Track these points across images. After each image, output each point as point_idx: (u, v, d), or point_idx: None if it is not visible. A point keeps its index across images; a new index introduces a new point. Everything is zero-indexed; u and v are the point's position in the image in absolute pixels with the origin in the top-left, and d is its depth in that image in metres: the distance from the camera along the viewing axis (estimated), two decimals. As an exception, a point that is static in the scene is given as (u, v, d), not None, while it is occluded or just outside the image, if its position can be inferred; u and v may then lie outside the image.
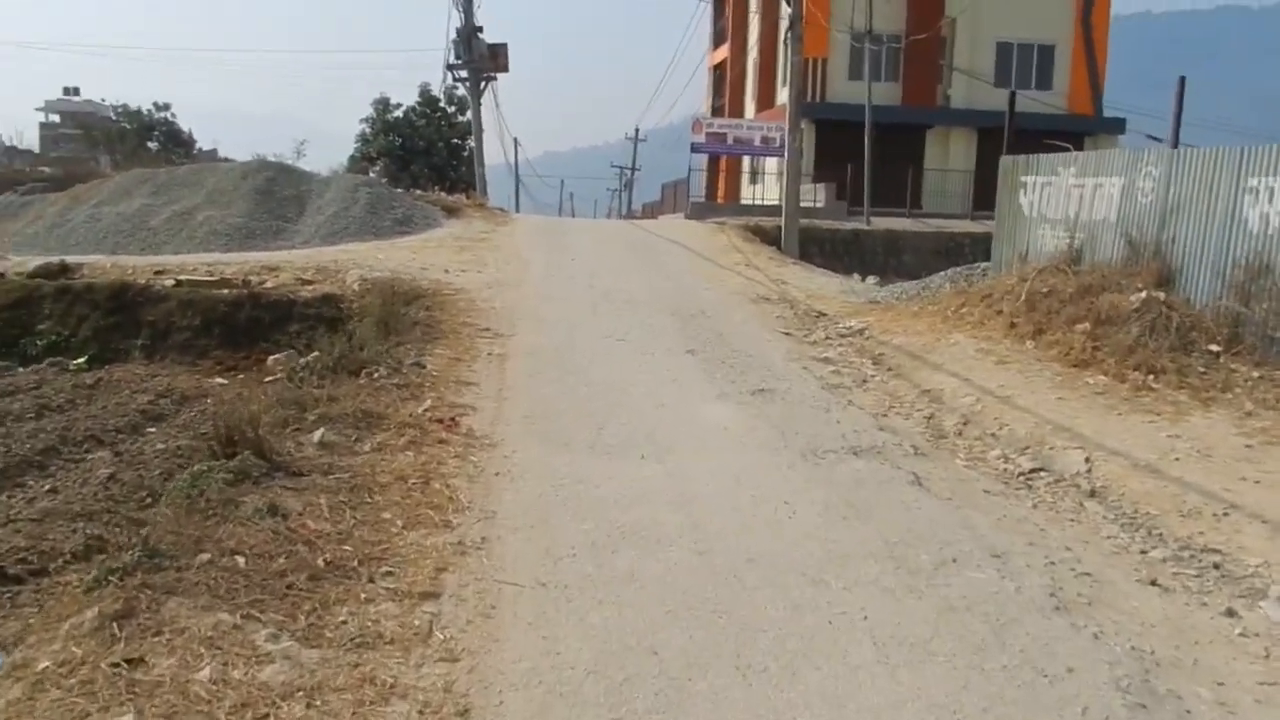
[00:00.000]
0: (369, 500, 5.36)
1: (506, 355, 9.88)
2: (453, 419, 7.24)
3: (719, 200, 38.39)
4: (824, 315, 14.09)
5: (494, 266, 16.42)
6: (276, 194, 22.50)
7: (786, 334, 12.60)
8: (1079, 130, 33.81)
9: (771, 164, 34.13)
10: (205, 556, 4.18)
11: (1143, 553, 5.82)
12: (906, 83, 33.40)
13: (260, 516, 4.77)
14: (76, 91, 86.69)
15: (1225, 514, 6.36)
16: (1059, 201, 12.63)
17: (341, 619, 3.95)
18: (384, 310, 10.57)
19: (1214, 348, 9.47)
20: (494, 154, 52.04)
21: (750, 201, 32.95)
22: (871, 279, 23.31)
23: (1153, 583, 5.31)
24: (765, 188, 33.76)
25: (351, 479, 5.61)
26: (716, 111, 40.68)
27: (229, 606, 3.81)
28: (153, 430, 10.23)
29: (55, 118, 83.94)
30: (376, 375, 8.10)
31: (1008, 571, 5.14)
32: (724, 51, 40.96)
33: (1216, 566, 5.62)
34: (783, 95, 35.57)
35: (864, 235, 26.20)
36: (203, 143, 52.09)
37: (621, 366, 9.75)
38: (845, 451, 7.30)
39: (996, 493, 6.84)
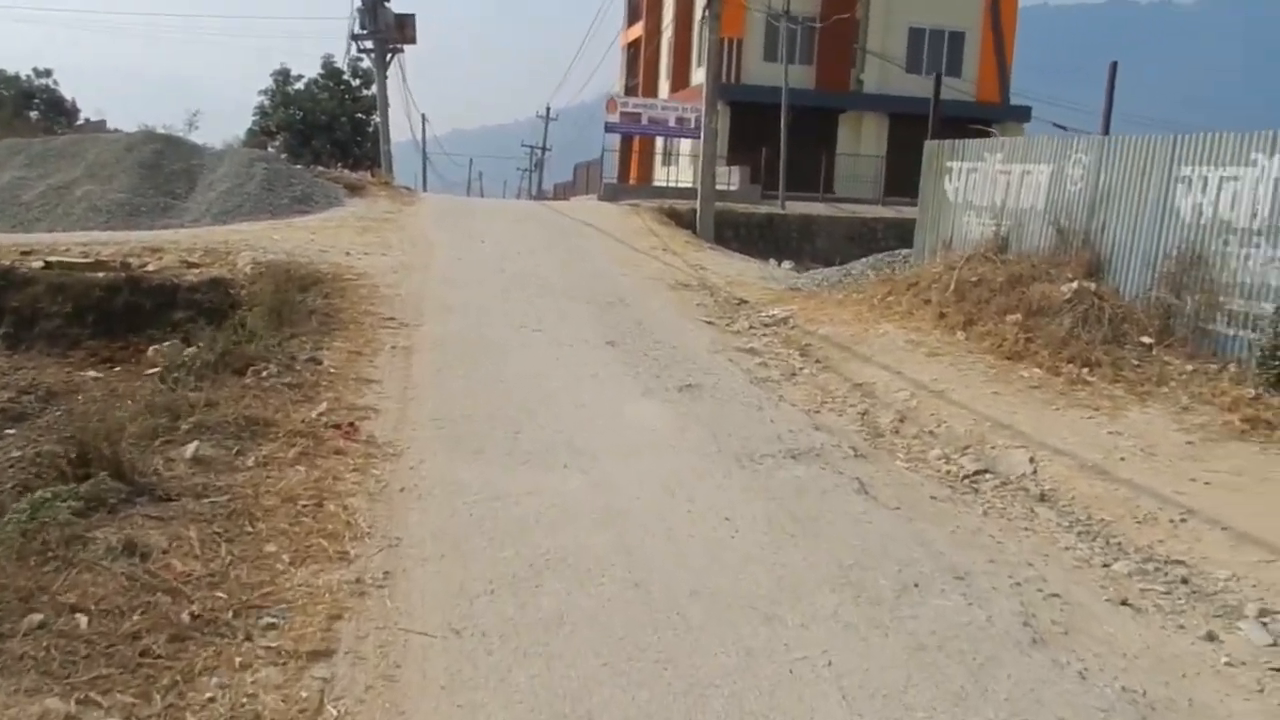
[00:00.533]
0: (250, 529, 4.58)
1: (412, 348, 9.08)
2: (351, 424, 6.46)
3: (632, 182, 37.73)
4: (745, 302, 13.58)
5: (399, 249, 15.48)
6: (164, 168, 21.06)
7: (709, 323, 12.04)
8: (987, 118, 34.01)
9: (685, 145, 33.59)
10: (37, 617, 3.38)
11: (1105, 566, 5.41)
12: (820, 66, 33.18)
13: (113, 557, 3.97)
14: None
15: (1182, 520, 6.01)
16: (985, 188, 12.34)
17: (209, 695, 3.21)
18: (276, 298, 9.64)
19: (1146, 340, 9.23)
20: (400, 130, 50.40)
21: (664, 183, 32.40)
22: (787, 264, 23.00)
23: (1124, 603, 4.89)
24: (679, 170, 33.23)
25: (230, 503, 4.82)
26: (630, 91, 39.94)
27: (62, 687, 3.04)
28: (12, 432, 9.15)
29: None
30: (265, 373, 7.24)
31: (974, 596, 4.65)
32: (638, 29, 40.22)
33: (1184, 581, 5.24)
34: (698, 75, 35.05)
35: (779, 220, 25.86)
36: (89, 113, 49.09)
37: (537, 360, 9.04)
38: (783, 455, 6.75)
39: (944, 499, 6.38)
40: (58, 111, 45.73)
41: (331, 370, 7.81)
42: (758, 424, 7.55)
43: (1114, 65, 13.83)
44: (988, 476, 6.96)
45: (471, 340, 9.61)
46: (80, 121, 46.76)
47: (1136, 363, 8.96)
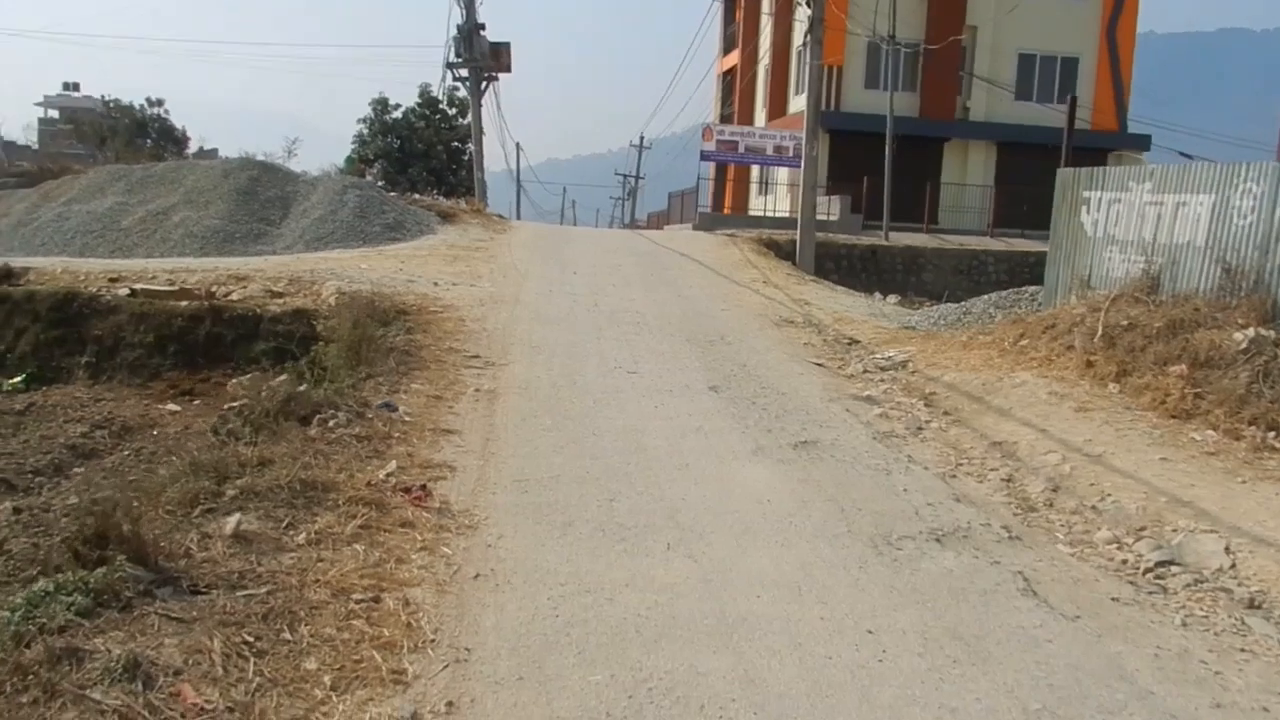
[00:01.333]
0: (289, 636, 3.69)
1: (497, 392, 8.22)
2: (423, 488, 5.57)
3: (727, 211, 36.80)
4: (857, 342, 12.45)
5: (488, 279, 14.77)
6: (259, 195, 20.86)
7: (818, 365, 10.95)
8: (1103, 145, 32.29)
9: (782, 174, 32.55)
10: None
11: (1362, 711, 4.18)
12: (924, 93, 31.81)
13: (110, 681, 3.12)
14: (76, 87, 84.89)
15: None
16: (1130, 220, 11.00)
17: None
18: (354, 334, 8.90)
19: (1344, 400, 7.85)
20: (495, 159, 50.54)
21: (760, 213, 31.37)
22: (892, 298, 21.74)
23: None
24: (776, 199, 32.17)
25: (269, 596, 3.95)
26: (725, 119, 39.06)
27: None
28: (79, 471, 8.58)
29: (55, 113, 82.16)
30: (333, 422, 6.43)
31: (1211, 764, 3.51)
32: (734, 58, 39.38)
33: None
34: (795, 103, 34.02)
35: (882, 251, 24.57)
36: (202, 141, 50.35)
37: (633, 409, 8.08)
38: (925, 537, 5.64)
39: (1128, 601, 5.19)
40: (169, 140, 46.98)
41: (407, 418, 6.97)
42: (888, 493, 6.45)
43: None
44: (1175, 570, 5.73)
45: (561, 385, 8.71)
46: (191, 150, 47.97)
47: (1334, 427, 7.59)
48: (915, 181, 29.08)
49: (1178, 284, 10.12)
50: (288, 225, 20.23)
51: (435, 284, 13.71)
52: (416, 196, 31.49)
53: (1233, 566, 5.70)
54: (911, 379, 10.30)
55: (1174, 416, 8.08)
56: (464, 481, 5.94)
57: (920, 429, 8.56)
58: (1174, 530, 6.21)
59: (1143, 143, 32.28)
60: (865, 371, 10.77)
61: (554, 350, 10.19)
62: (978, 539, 5.77)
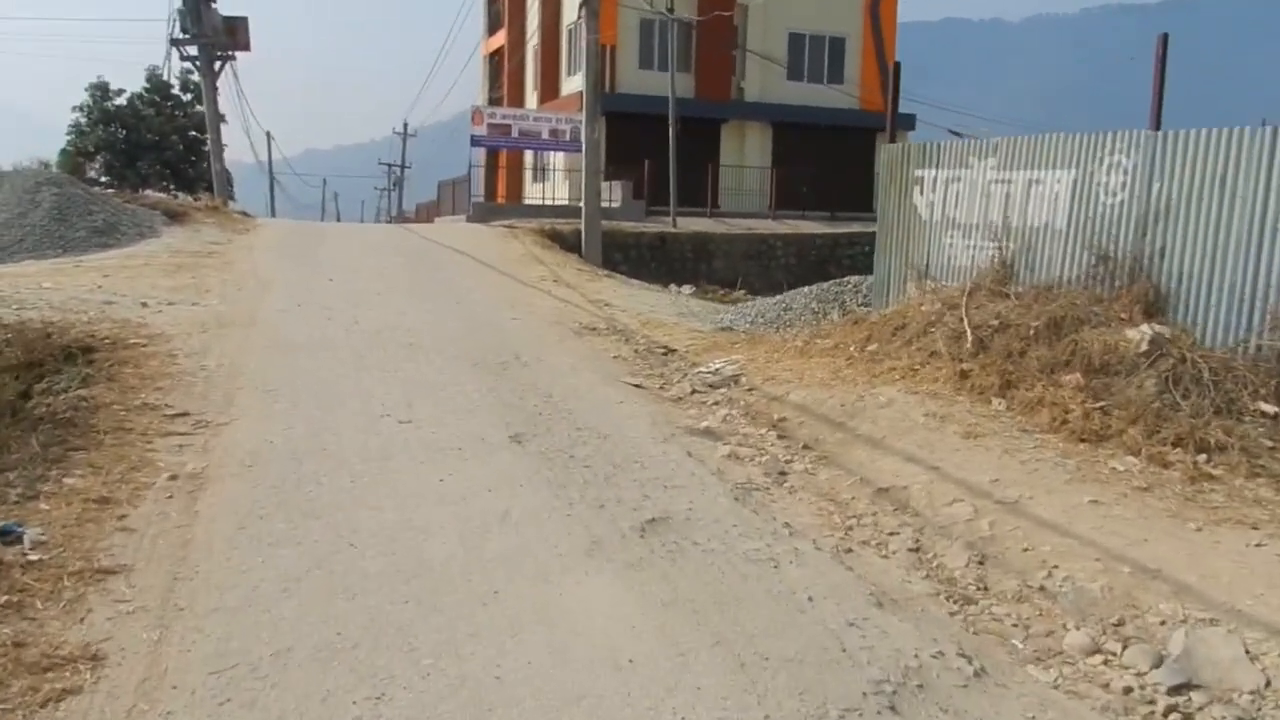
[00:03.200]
0: None
1: (205, 478, 5.58)
2: (21, 729, 3.01)
3: (501, 200, 34.25)
4: (673, 351, 10.49)
5: (218, 294, 11.75)
6: (-81, 197, 16.57)
7: (637, 386, 8.87)
8: (871, 126, 32.16)
9: (559, 160, 30.43)
10: None
11: None
12: (699, 74, 30.50)
13: None
14: None
15: None
16: (973, 201, 9.59)
17: None
18: (-17, 399, 5.96)
19: (1267, 408, 6.56)
20: (242, 150, 45.44)
21: (538, 201, 29.09)
22: (686, 288, 20.17)
23: None
24: (552, 186, 29.96)
25: None
26: (495, 103, 36.42)
27: None
28: None
29: None
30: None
31: None
32: (500, 38, 36.78)
33: None
34: (568, 84, 31.94)
35: (671, 239, 22.96)
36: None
37: (408, 488, 5.66)
38: (877, 708, 3.64)
39: (1183, 780, 3.40)
40: None
41: (33, 556, 4.27)
42: (791, 613, 4.38)
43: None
44: (1197, 699, 4.02)
45: (305, 453, 6.14)
46: None
47: (1270, 443, 6.27)
48: (694, 164, 27.71)
49: (1036, 273, 8.76)
50: (-39, 233, 16.11)
51: (144, 304, 10.59)
52: (152, 193, 27.18)
53: (1268, 685, 4.06)
54: (751, 399, 8.41)
55: (1082, 439, 6.55)
56: (118, 687, 3.39)
57: (783, 473, 6.63)
58: (1160, 621, 4.54)
59: (908, 122, 32.40)
60: (694, 392, 8.78)
61: (298, 394, 7.55)
62: (939, 691, 3.82)
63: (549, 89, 32.75)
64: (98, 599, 3.97)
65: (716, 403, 8.41)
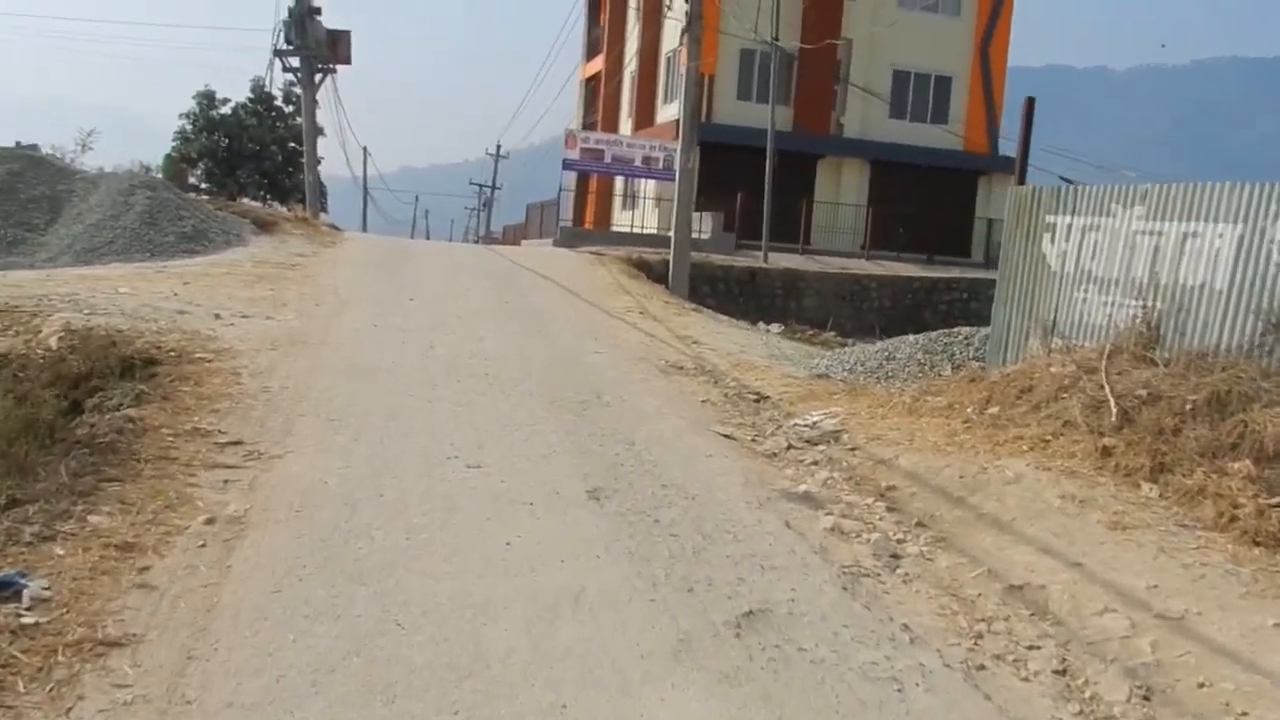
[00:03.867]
0: None
1: (247, 521, 4.94)
2: None
3: (588, 226, 33.90)
4: (765, 399, 9.65)
5: (295, 309, 11.32)
6: (21, 194, 16.68)
7: (727, 437, 8.07)
8: (975, 168, 31.05)
9: (649, 188, 29.92)
10: None
11: None
12: (799, 107, 29.71)
13: None
14: None
15: None
16: (1114, 253, 8.59)
17: None
18: (19, 416, 5.44)
19: None
20: (339, 164, 46.03)
21: (625, 229, 28.56)
22: (775, 326, 19.32)
23: None
24: (642, 214, 29.43)
25: None
26: (589, 128, 36.15)
27: None
28: None
29: None
30: None
31: None
32: (598, 64, 36.57)
33: None
34: (664, 112, 31.47)
35: (761, 274, 22.12)
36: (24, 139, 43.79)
37: (472, 552, 4.93)
38: None
39: None
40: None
41: (25, 622, 3.63)
42: (922, 746, 3.55)
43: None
44: None
45: (361, 498, 5.48)
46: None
47: None
48: (788, 199, 26.89)
49: (1188, 337, 7.72)
50: (56, 231, 16.16)
51: (217, 316, 10.19)
52: (246, 202, 27.40)
53: None
54: (854, 461, 7.53)
55: (1257, 543, 5.52)
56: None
57: (895, 556, 5.75)
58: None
59: (1013, 166, 31.08)
60: (790, 447, 7.93)
61: (363, 425, 6.94)
62: None
63: (644, 116, 32.30)
64: (93, 681, 3.32)
65: (815, 462, 7.54)
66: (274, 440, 6.36)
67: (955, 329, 11.33)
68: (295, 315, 10.91)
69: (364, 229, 46.90)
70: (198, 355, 8.34)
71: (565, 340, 11.40)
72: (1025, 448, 7.05)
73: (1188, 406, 6.62)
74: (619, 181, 32.92)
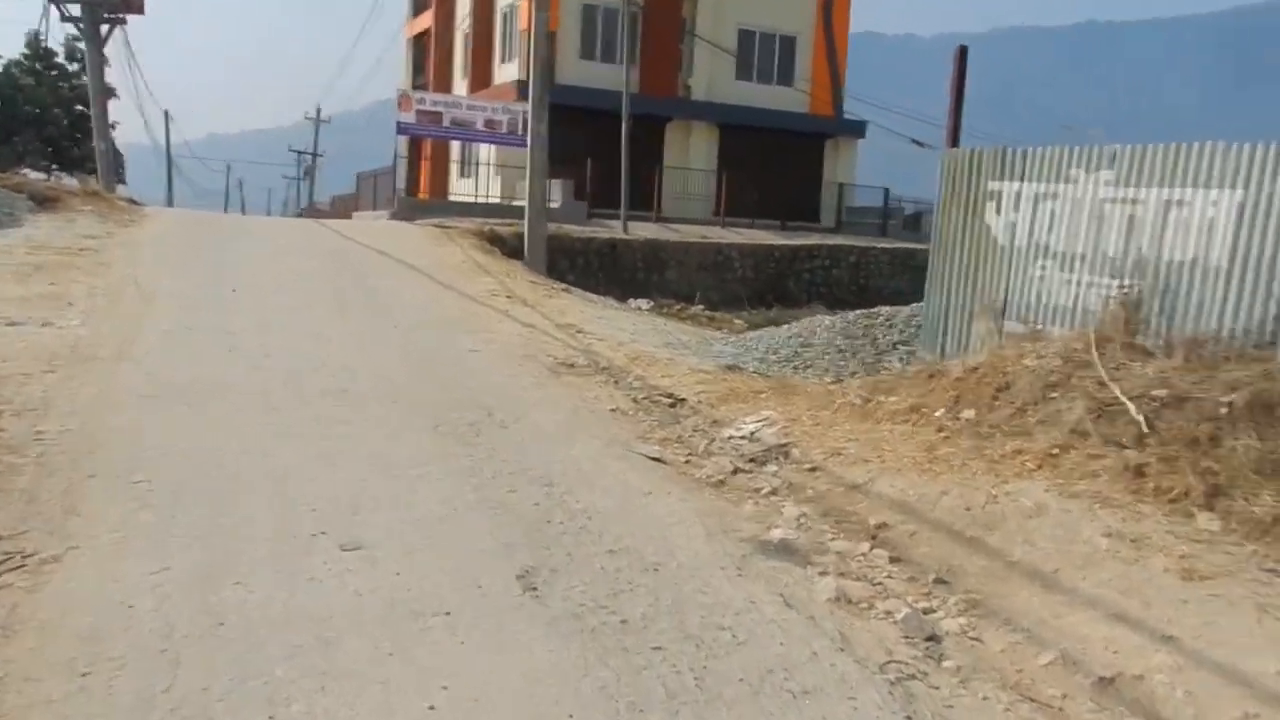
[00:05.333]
0: None
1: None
2: None
3: (423, 195, 31.38)
4: (681, 401, 8.12)
5: (83, 309, 8.91)
6: None
7: (657, 461, 6.48)
8: (821, 131, 30.41)
9: (487, 153, 27.77)
10: None
11: None
12: (645, 68, 28.06)
13: None
14: None
15: None
16: (1077, 225, 7.45)
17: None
18: None
19: None
20: (137, 131, 41.17)
21: (464, 198, 26.35)
22: (643, 303, 17.83)
23: None
24: (482, 182, 27.22)
25: None
26: (419, 90, 33.44)
27: None
28: None
29: None
30: None
31: None
32: (426, 20, 33.81)
33: None
34: (502, 73, 29.26)
35: (622, 246, 20.55)
36: None
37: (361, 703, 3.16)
38: None
39: None
40: None
41: None
42: None
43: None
44: None
45: (184, 637, 3.52)
46: None
47: None
48: (638, 166, 25.39)
49: (1178, 321, 6.66)
50: None
51: (-27, 325, 7.74)
52: (25, 173, 23.64)
53: None
54: (820, 486, 6.09)
55: (1364, 591, 4.41)
56: None
57: (934, 639, 4.32)
58: None
59: (858, 129, 30.67)
60: (736, 471, 6.42)
61: (180, 488, 4.92)
62: None
63: (480, 76, 29.98)
64: None
65: (774, 491, 6.05)
66: (47, 529, 4.29)
67: (875, 310, 10.06)
68: (83, 318, 8.52)
69: (169, 203, 42.39)
70: (-63, 388, 6.03)
71: (431, 337, 9.46)
72: (1032, 466, 5.77)
73: (1223, 410, 5.49)
74: (455, 148, 30.55)
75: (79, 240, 13.12)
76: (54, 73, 32.91)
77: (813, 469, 6.41)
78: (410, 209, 23.20)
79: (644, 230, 22.30)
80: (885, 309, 9.97)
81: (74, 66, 32.98)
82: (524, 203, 24.20)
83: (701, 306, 19.35)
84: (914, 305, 9.81)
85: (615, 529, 5.03)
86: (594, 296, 15.00)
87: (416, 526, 4.74)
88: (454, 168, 31.40)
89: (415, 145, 31.31)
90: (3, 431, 5.44)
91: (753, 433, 7.23)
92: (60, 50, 32.68)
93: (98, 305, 9.14)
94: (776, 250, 22.32)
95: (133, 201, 19.16)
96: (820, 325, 9.93)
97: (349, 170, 36.73)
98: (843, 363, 9.21)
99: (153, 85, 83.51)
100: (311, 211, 41.39)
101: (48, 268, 10.82)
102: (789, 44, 29.99)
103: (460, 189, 29.32)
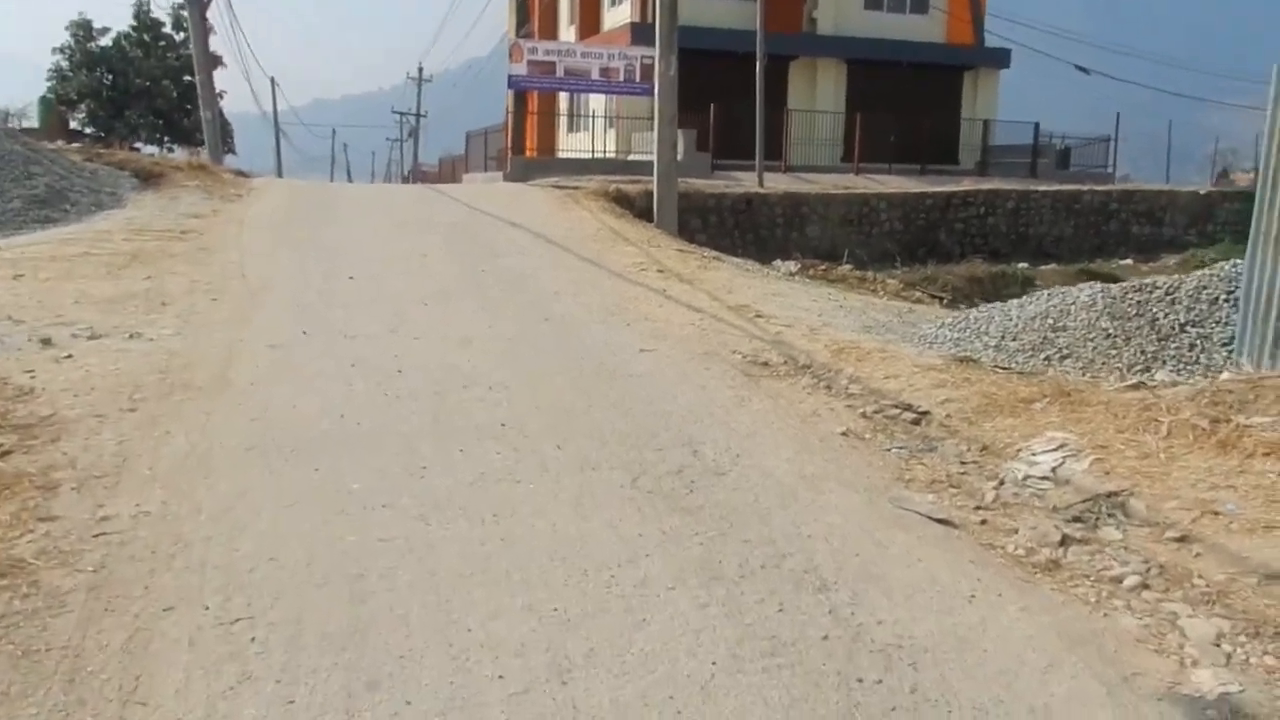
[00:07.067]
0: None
1: None
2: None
3: (530, 153, 29.59)
4: (924, 416, 6.09)
5: (180, 312, 7.34)
6: None
7: (945, 524, 4.50)
8: (959, 63, 27.41)
9: (597, 104, 25.79)
10: None
11: None
12: (767, 2, 25.56)
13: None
14: None
15: None
16: None
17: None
18: None
19: None
20: (243, 99, 40.48)
21: (580, 153, 24.44)
22: (790, 264, 15.71)
23: None
24: (593, 136, 25.24)
25: None
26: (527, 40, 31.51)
27: None
28: None
29: None
30: None
31: None
32: (529, -34, 31.77)
33: None
34: (611, 16, 27.13)
35: (758, 201, 18.37)
36: None
37: None
38: None
39: None
40: None
41: None
42: None
43: None
44: None
45: None
46: None
47: None
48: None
49: None
50: None
51: (46, 342, 6.20)
52: (142, 149, 22.76)
53: None
54: (1213, 573, 4.02)
55: None
56: None
57: None
58: None
59: (1002, 58, 27.55)
60: (1063, 541, 4.39)
61: (298, 629, 3.17)
62: None
63: (589, 22, 27.88)
64: None
65: (1144, 585, 4.00)
66: (101, 709, 2.58)
67: (1151, 281, 7.73)
68: (179, 325, 6.93)
69: (278, 168, 41.71)
70: (-20, 444, 4.43)
71: (588, 332, 7.61)
72: None
73: None
74: (563, 100, 28.63)
75: (182, 221, 11.69)
76: (162, 43, 32.10)
77: (1181, 538, 4.33)
78: (523, 169, 21.46)
79: (775, 182, 20.07)
80: (1162, 279, 7.64)
81: (180, 36, 32.08)
82: (640, 157, 22.28)
83: (850, 265, 17.13)
84: (1199, 274, 7.51)
85: (959, 687, 3.09)
86: (745, 262, 12.98)
87: (672, 697, 2.87)
88: (562, 121, 29.47)
89: (521, 100, 29.48)
90: (53, 522, 3.78)
91: (1054, 468, 5.17)
92: (168, 21, 31.79)
93: (197, 306, 7.56)
94: (928, 199, 19.82)
95: (239, 173, 17.86)
96: (1075, 302, 7.68)
97: (449, 130, 35.24)
98: (1114, 352, 7.02)
99: (257, 52, 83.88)
100: (419, 174, 40.18)
101: (145, 257, 9.35)
102: (922, -31, 26.99)
103: (570, 144, 27.42)
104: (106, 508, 3.95)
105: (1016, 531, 4.49)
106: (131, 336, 6.51)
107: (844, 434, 5.71)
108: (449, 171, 32.29)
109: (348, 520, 3.96)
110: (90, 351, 6.07)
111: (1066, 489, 4.95)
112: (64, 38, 31.24)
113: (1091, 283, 8.45)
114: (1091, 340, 7.25)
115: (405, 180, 44.36)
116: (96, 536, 3.70)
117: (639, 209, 16.18)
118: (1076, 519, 4.66)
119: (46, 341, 6.19)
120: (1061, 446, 5.41)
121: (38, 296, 7.49)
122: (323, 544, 3.72)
